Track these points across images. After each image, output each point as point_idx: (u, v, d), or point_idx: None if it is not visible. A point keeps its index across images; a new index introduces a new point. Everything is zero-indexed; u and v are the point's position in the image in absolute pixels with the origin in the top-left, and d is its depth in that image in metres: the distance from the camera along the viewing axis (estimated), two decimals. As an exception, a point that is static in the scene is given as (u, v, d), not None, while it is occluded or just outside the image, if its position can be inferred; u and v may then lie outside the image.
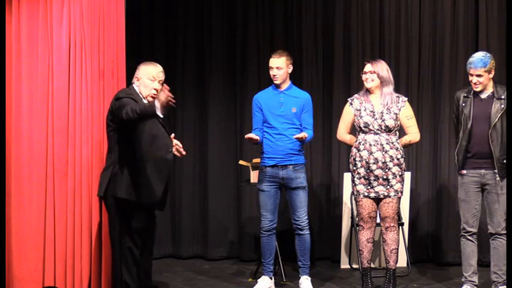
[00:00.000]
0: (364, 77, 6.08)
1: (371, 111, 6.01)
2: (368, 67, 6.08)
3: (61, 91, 5.78)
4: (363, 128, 6.02)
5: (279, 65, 6.14)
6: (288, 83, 6.22)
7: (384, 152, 5.97)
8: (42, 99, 5.79)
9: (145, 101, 5.51)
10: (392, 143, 6.01)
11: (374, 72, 6.03)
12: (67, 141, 5.79)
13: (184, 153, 5.72)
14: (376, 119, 5.98)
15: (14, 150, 5.77)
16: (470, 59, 5.87)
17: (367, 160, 5.98)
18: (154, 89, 5.58)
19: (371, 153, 5.97)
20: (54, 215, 5.78)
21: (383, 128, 5.98)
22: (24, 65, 5.79)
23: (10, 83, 5.77)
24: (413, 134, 6.13)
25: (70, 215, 5.77)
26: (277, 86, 6.20)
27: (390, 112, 6.00)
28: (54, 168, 5.77)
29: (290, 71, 6.21)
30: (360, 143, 6.03)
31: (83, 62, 5.79)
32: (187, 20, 7.68)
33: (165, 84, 5.33)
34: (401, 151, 6.04)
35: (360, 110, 6.04)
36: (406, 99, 6.11)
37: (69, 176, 5.78)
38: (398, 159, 6.01)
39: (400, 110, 6.02)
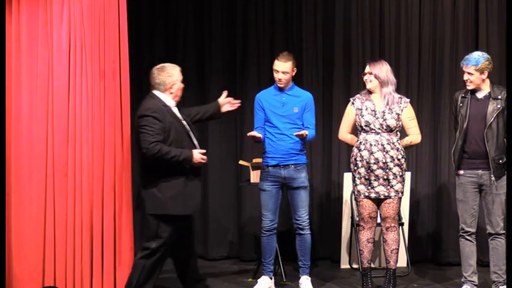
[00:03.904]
0: (364, 77, 6.10)
1: (372, 110, 6.01)
2: (367, 68, 6.10)
3: (61, 91, 5.79)
4: (364, 127, 6.02)
5: (285, 70, 6.11)
6: (290, 83, 6.22)
7: (384, 153, 5.97)
8: (42, 99, 5.79)
9: (174, 108, 5.58)
10: (393, 143, 6.01)
11: (371, 73, 6.05)
12: (67, 141, 5.79)
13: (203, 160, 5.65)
14: (377, 118, 5.98)
15: (14, 150, 5.77)
16: (466, 56, 5.92)
17: (367, 160, 5.98)
18: (181, 89, 5.69)
19: (372, 153, 5.97)
20: (54, 215, 5.78)
21: (384, 127, 5.98)
22: (24, 65, 5.79)
23: (10, 83, 5.78)
24: (414, 136, 6.13)
25: (70, 215, 5.77)
26: (280, 87, 6.20)
27: (392, 112, 6.00)
28: (54, 168, 5.78)
29: (294, 73, 6.20)
30: (360, 142, 6.03)
31: (83, 62, 5.79)
32: (187, 20, 7.68)
33: None
34: (402, 151, 6.04)
35: (361, 109, 6.05)
36: (408, 100, 6.11)
37: (69, 176, 5.78)
38: (399, 159, 6.01)
39: (402, 110, 6.02)
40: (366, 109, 6.03)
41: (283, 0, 7.60)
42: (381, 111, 6.00)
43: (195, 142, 5.65)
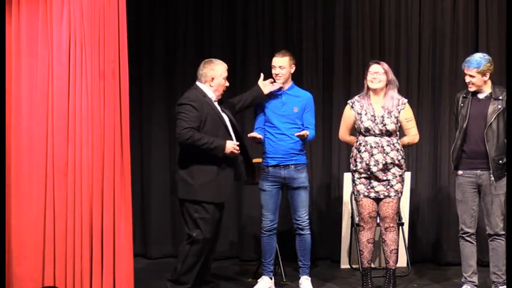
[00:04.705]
0: (370, 77, 6.01)
1: (372, 116, 5.98)
2: (376, 68, 6.02)
3: (61, 91, 5.78)
4: (364, 132, 6.01)
5: (282, 64, 6.13)
6: (290, 82, 6.22)
7: (384, 154, 5.96)
8: (42, 99, 5.78)
9: (213, 99, 5.78)
10: (393, 144, 6.00)
11: (384, 73, 6.00)
12: (67, 141, 5.79)
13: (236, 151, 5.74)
14: (377, 124, 5.96)
15: (14, 150, 5.77)
16: (467, 58, 5.90)
17: (367, 162, 5.97)
18: (226, 86, 5.86)
19: (372, 155, 5.97)
20: (54, 215, 5.77)
21: (384, 132, 5.97)
22: (24, 65, 5.78)
23: (10, 83, 5.77)
24: (411, 136, 6.12)
25: (70, 215, 5.77)
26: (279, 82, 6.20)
27: (391, 116, 5.97)
28: (54, 168, 5.77)
29: (293, 70, 6.21)
30: (360, 144, 6.03)
31: (83, 62, 5.78)
32: (187, 20, 7.69)
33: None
34: (402, 152, 6.04)
35: (360, 114, 6.02)
36: (406, 101, 6.09)
37: (69, 176, 5.78)
38: (398, 160, 6.00)
39: (399, 112, 6.01)
40: (366, 114, 6.00)
41: (283, 0, 7.60)
42: (380, 115, 5.98)
43: (232, 135, 5.78)
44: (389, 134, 5.99)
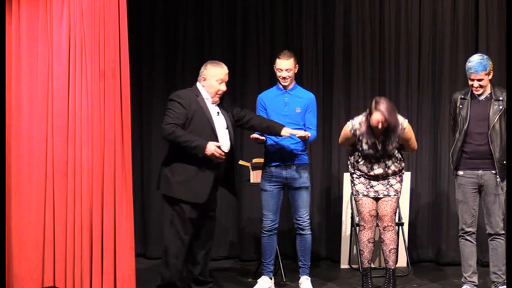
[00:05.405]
0: (375, 122, 5.77)
1: (373, 143, 5.90)
2: (378, 116, 5.73)
3: (61, 91, 5.78)
4: (364, 157, 6.00)
5: (288, 67, 6.10)
6: (293, 83, 6.21)
7: (386, 168, 5.98)
8: (42, 99, 5.79)
9: (208, 101, 5.68)
10: (395, 157, 6.00)
11: (388, 124, 5.78)
12: (67, 141, 5.79)
13: (221, 159, 5.58)
14: (378, 151, 5.92)
15: (14, 150, 5.77)
16: (469, 64, 5.81)
17: (367, 172, 5.99)
18: (221, 90, 5.71)
19: (372, 169, 5.98)
20: (54, 215, 5.78)
21: (385, 154, 5.95)
22: (24, 65, 5.79)
23: (10, 83, 5.77)
24: (411, 150, 6.13)
25: (70, 215, 5.77)
26: (283, 86, 6.18)
27: (393, 142, 5.91)
28: (54, 168, 5.77)
29: (296, 70, 6.19)
30: (360, 156, 6.00)
31: (83, 62, 5.78)
32: (187, 20, 7.69)
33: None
34: (402, 161, 6.07)
35: (361, 140, 5.93)
36: (406, 124, 5.94)
37: (69, 176, 5.78)
38: (399, 169, 6.04)
39: (399, 136, 5.93)
40: (367, 142, 5.91)
41: (283, 0, 7.60)
42: (381, 142, 5.91)
43: (219, 138, 5.64)
44: (389, 156, 5.98)
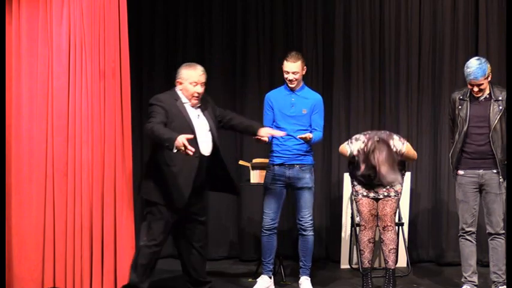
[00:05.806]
0: (365, 172, 5.95)
1: (368, 175, 5.97)
2: (368, 171, 5.93)
3: (61, 91, 5.79)
4: None
5: (295, 70, 6.07)
6: (301, 83, 6.20)
7: (388, 186, 6.02)
8: (42, 99, 5.80)
9: (187, 104, 5.56)
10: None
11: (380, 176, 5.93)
12: (67, 141, 5.80)
13: (190, 152, 5.30)
14: (372, 180, 6.00)
15: (14, 150, 5.77)
16: (468, 70, 5.75)
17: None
18: (197, 92, 5.57)
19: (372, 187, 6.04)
20: (54, 214, 5.78)
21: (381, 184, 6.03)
22: (24, 65, 5.79)
23: (10, 83, 5.78)
24: (410, 162, 6.19)
25: (70, 215, 5.78)
26: (290, 87, 6.17)
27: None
28: (54, 168, 5.78)
29: (304, 72, 6.17)
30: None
31: (83, 62, 5.79)
32: (187, 20, 7.69)
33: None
34: (403, 171, 6.09)
35: (359, 164, 5.98)
36: (405, 147, 6.02)
37: (69, 176, 5.79)
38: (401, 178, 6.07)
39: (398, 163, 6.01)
40: (366, 166, 5.96)
41: (283, 0, 7.60)
42: (375, 176, 5.97)
43: (200, 141, 5.52)
44: None
